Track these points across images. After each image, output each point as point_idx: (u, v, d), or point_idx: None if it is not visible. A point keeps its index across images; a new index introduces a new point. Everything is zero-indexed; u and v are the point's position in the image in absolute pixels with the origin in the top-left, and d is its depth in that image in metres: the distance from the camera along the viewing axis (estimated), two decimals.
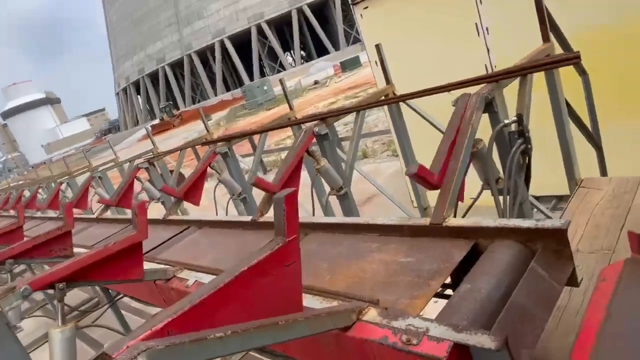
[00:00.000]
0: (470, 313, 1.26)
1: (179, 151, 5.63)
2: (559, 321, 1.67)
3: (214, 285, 1.13)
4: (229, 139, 3.87)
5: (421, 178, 1.75)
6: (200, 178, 3.14)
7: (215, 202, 3.75)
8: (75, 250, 3.52)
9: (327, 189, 2.97)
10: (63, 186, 6.99)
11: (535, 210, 2.78)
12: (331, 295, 1.55)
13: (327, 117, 2.90)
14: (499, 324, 1.17)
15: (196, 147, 5.58)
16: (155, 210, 3.91)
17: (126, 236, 2.00)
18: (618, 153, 3.33)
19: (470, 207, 2.05)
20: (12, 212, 7.69)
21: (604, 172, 3.01)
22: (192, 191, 3.14)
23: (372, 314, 1.30)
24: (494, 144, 2.10)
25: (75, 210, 7.40)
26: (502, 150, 2.14)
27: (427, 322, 1.18)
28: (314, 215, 2.58)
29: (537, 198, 4.79)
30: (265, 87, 35.23)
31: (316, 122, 2.93)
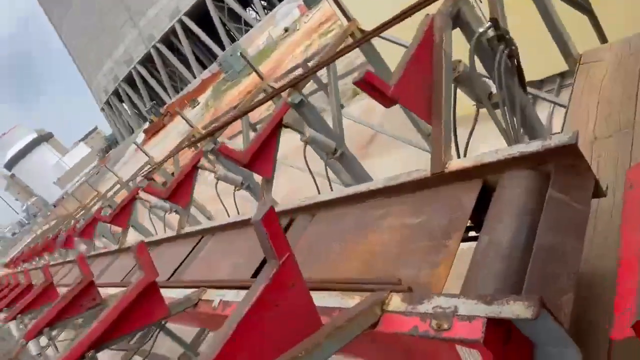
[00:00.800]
0: (497, 274, 1.15)
1: (178, 153, 5.52)
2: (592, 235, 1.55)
3: (225, 334, 1.04)
4: (212, 133, 3.71)
5: (370, 86, 1.51)
6: (186, 179, 3.04)
7: (220, 198, 3.67)
8: (107, 291, 3.55)
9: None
10: (80, 223, 7.03)
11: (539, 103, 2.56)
12: (349, 286, 1.46)
13: (297, 83, 2.70)
14: (529, 280, 1.07)
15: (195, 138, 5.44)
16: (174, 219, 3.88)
17: (137, 281, 1.94)
18: (612, 11, 3.04)
19: (471, 135, 1.89)
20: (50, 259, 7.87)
21: (602, 38, 2.75)
22: (178, 192, 3.06)
23: (395, 302, 1.21)
24: (475, 58, 1.89)
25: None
26: (486, 62, 1.94)
27: (454, 298, 1.08)
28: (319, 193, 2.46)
29: (540, 82, 4.53)
30: (239, 52, 34.08)
31: (287, 91, 2.73)
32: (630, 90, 2.19)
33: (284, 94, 2.83)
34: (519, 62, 1.91)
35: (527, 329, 1.02)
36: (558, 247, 1.13)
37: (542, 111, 3.79)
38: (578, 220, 1.18)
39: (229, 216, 3.31)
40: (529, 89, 3.04)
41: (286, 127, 2.53)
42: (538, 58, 3.69)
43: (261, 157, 2.34)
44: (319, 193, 2.35)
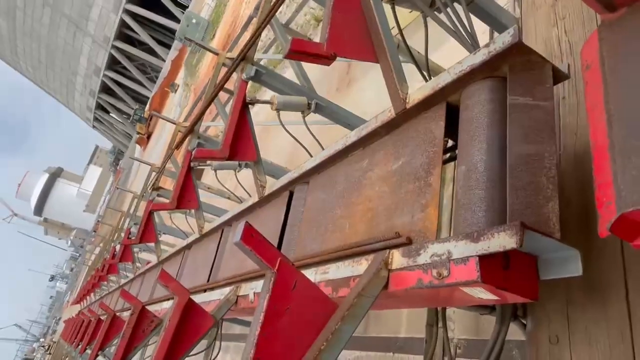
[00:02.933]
0: (481, 200, 1.14)
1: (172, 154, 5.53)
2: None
3: (247, 355, 1.10)
4: (192, 128, 3.67)
5: (301, 54, 1.41)
6: (186, 182, 3.07)
7: (224, 187, 3.70)
8: (163, 305, 3.76)
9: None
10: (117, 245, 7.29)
11: None
12: (357, 249, 1.48)
13: (244, 55, 2.59)
14: (511, 199, 1.06)
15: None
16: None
17: (174, 305, 2.04)
18: None
19: (427, 52, 1.80)
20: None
21: None
22: (184, 198, 3.10)
23: (397, 259, 1.23)
24: None
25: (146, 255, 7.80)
26: None
27: (446, 242, 1.09)
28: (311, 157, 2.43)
29: None
30: (194, 20, 32.60)
31: (240, 66, 2.63)
32: None
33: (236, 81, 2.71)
34: None
35: (522, 248, 1.03)
36: (532, 155, 1.10)
37: None
38: (544, 118, 1.14)
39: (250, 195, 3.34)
40: None
41: (251, 103, 2.47)
42: None
43: (239, 144, 2.32)
44: (311, 156, 2.32)
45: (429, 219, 1.27)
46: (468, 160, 1.22)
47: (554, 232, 0.99)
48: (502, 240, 0.95)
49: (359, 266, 1.38)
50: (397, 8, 1.91)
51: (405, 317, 3.29)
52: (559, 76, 1.22)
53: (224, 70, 3.46)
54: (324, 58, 1.43)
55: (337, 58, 1.49)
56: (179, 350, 1.97)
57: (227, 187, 4.15)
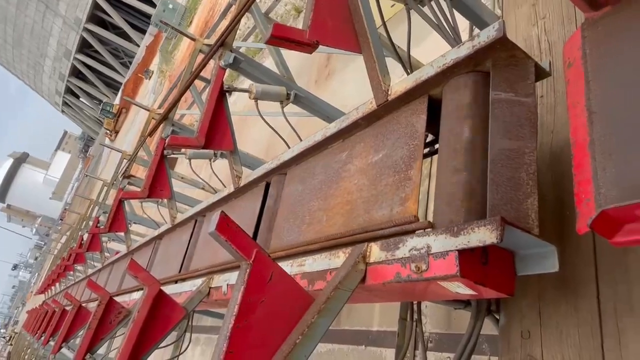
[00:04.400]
0: (463, 194, 1.14)
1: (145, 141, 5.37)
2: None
3: (220, 350, 1.07)
4: (166, 117, 3.57)
5: (282, 39, 1.38)
6: (158, 171, 2.99)
7: (199, 177, 3.63)
8: (133, 296, 3.66)
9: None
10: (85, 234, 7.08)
11: None
12: (334, 242, 1.47)
13: (223, 41, 2.52)
14: (492, 194, 1.05)
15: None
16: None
17: (144, 296, 1.98)
18: None
19: (409, 46, 1.78)
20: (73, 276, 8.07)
21: None
22: (156, 187, 3.02)
23: (375, 252, 1.22)
24: None
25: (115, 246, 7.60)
26: None
27: (425, 237, 1.08)
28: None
29: None
30: (170, 6, 31.78)
31: (218, 52, 2.56)
32: None
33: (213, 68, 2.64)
34: None
35: (501, 244, 1.03)
36: (513, 151, 1.10)
37: None
38: (526, 114, 1.14)
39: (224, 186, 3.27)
40: None
41: (229, 91, 2.41)
42: None
43: (216, 132, 2.26)
44: (289, 148, 2.28)
45: (408, 212, 1.26)
46: (449, 155, 1.21)
47: (533, 228, 1.00)
48: (482, 235, 0.94)
49: (337, 259, 1.36)
50: (380, 0, 1.89)
51: (378, 311, 3.31)
52: (540, 73, 1.22)
53: (201, 57, 3.37)
54: (306, 45, 1.40)
55: (319, 47, 1.45)
56: (147, 342, 1.91)
57: (201, 177, 4.07)
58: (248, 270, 1.09)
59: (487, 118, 1.19)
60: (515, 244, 1.05)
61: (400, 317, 1.93)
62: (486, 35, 1.18)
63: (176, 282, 2.73)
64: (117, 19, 55.92)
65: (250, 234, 2.14)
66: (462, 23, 2.22)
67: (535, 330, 1.33)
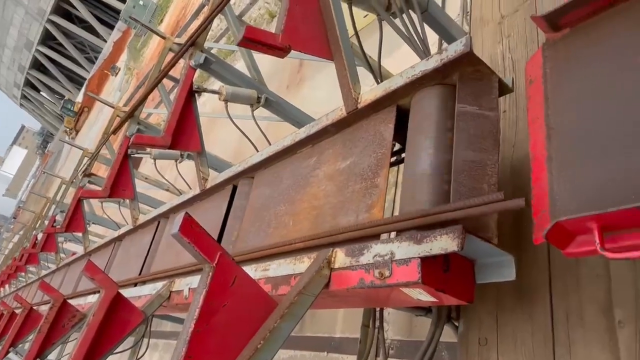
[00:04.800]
0: (425, 202, 1.16)
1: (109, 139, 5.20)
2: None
3: (179, 354, 1.04)
4: (131, 114, 3.48)
5: (254, 42, 1.37)
6: (121, 170, 2.90)
7: (165, 178, 3.55)
8: (88, 299, 3.53)
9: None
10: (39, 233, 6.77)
11: None
12: (300, 246, 1.46)
13: (194, 41, 2.48)
14: (454, 202, 1.08)
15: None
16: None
17: (100, 298, 1.91)
18: None
19: (380, 55, 1.82)
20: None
21: None
22: (118, 186, 2.94)
23: (340, 257, 1.22)
24: None
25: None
26: None
27: (389, 243, 1.10)
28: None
29: None
30: (141, 2, 31.08)
31: (189, 52, 2.53)
32: None
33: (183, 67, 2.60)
34: None
35: (461, 252, 1.06)
36: (475, 162, 1.14)
37: None
38: (489, 127, 1.18)
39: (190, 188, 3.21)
40: None
41: (198, 92, 2.37)
42: None
43: (183, 133, 2.22)
44: (257, 151, 2.26)
45: (373, 219, 1.28)
46: (415, 164, 1.24)
47: (493, 238, 1.03)
48: (444, 243, 0.97)
49: (301, 264, 1.35)
50: (353, 10, 1.92)
51: (341, 317, 3.32)
52: (504, 89, 1.27)
53: (170, 55, 3.31)
54: (278, 49, 1.40)
55: (292, 53, 1.46)
56: (102, 347, 1.84)
57: (166, 178, 3.98)
58: (211, 274, 1.08)
59: (453, 129, 1.23)
60: (475, 253, 1.08)
61: (362, 323, 1.94)
62: (454, 49, 1.21)
63: (135, 285, 2.65)
64: (84, 12, 54.13)
65: (215, 237, 2.11)
66: (432, 37, 2.28)
67: (492, 338, 1.37)
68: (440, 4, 3.58)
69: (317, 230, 1.48)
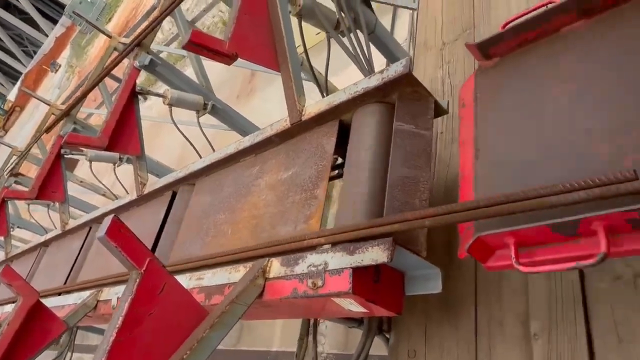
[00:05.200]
0: (361, 214, 1.19)
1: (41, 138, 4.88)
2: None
3: (101, 357, 0.99)
4: (69, 111, 3.30)
5: (201, 47, 1.37)
6: (52, 171, 2.74)
7: (100, 181, 3.39)
8: (5, 309, 3.25)
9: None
10: None
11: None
12: (237, 256, 1.44)
13: (140, 41, 2.42)
14: (387, 215, 1.12)
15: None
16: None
17: (18, 306, 1.77)
18: None
19: (327, 70, 1.86)
20: None
21: None
22: (47, 188, 2.77)
23: (275, 267, 1.22)
24: None
25: None
26: None
27: (324, 254, 1.11)
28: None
29: None
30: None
31: (134, 52, 2.45)
32: None
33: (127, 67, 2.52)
34: None
35: (392, 264, 1.09)
36: (409, 178, 1.18)
37: (402, 16, 3.84)
38: (423, 145, 1.24)
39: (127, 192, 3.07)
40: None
41: (141, 93, 2.30)
42: None
43: (122, 135, 2.13)
44: (200, 157, 2.22)
45: (310, 230, 1.29)
46: (353, 178, 1.27)
47: (421, 251, 1.07)
48: (375, 255, 1.00)
49: (237, 273, 1.34)
50: (304, 26, 1.95)
51: (279, 330, 3.29)
52: (439, 110, 1.34)
53: (115, 55, 3.19)
54: (224, 56, 1.39)
55: (244, 63, 1.46)
56: (21, 353, 1.70)
57: (103, 182, 3.79)
58: (138, 280, 1.04)
59: (390, 146, 1.27)
60: (405, 265, 1.12)
61: (299, 336, 1.94)
62: (394, 69, 1.27)
63: (60, 294, 2.48)
64: (24, 3, 50.98)
65: (150, 244, 2.03)
66: (381, 60, 2.36)
67: (420, 349, 1.42)
68: (389, 28, 3.73)
69: (256, 240, 1.47)
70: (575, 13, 1.02)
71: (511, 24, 1.12)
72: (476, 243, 0.90)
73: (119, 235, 1.02)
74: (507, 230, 0.86)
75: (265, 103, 5.76)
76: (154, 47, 2.62)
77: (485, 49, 1.17)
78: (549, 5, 1.05)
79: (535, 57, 1.08)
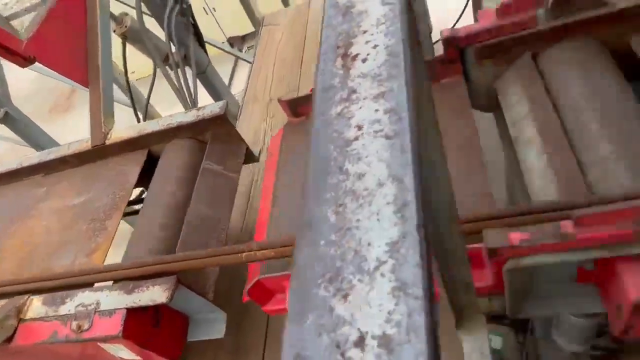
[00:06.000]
0: (152, 249, 1.12)
1: None
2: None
3: None
4: None
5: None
6: None
7: None
8: None
9: None
10: None
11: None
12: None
13: None
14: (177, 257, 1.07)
15: None
16: None
17: None
18: None
19: (149, 98, 1.78)
20: None
21: (285, 1, 3.00)
22: None
23: (35, 306, 1.04)
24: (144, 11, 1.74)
25: None
26: (160, 19, 1.81)
27: (98, 292, 1.00)
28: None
29: (231, 41, 4.65)
30: None
31: None
32: (298, 55, 2.46)
33: None
34: (194, 20, 1.86)
35: (175, 305, 1.03)
36: (209, 216, 1.17)
37: (241, 67, 3.98)
38: (228, 187, 1.25)
39: None
40: (222, 46, 3.11)
41: None
42: (230, 15, 3.79)
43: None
44: None
45: (92, 264, 1.15)
46: (150, 211, 1.20)
47: (208, 293, 1.04)
48: (154, 294, 0.93)
49: None
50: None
51: None
52: (250, 157, 1.38)
53: None
54: (18, 56, 1.22)
55: (54, 73, 1.29)
56: None
57: None
58: None
59: (195, 183, 1.25)
60: (189, 308, 1.07)
61: None
62: (210, 109, 1.28)
63: None
64: None
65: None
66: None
67: None
68: (227, 78, 3.79)
69: (21, 271, 1.24)
70: None
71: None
72: (256, 286, 0.92)
73: None
74: (285, 273, 0.90)
75: (83, 122, 5.15)
76: None
77: (294, 107, 1.27)
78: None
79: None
